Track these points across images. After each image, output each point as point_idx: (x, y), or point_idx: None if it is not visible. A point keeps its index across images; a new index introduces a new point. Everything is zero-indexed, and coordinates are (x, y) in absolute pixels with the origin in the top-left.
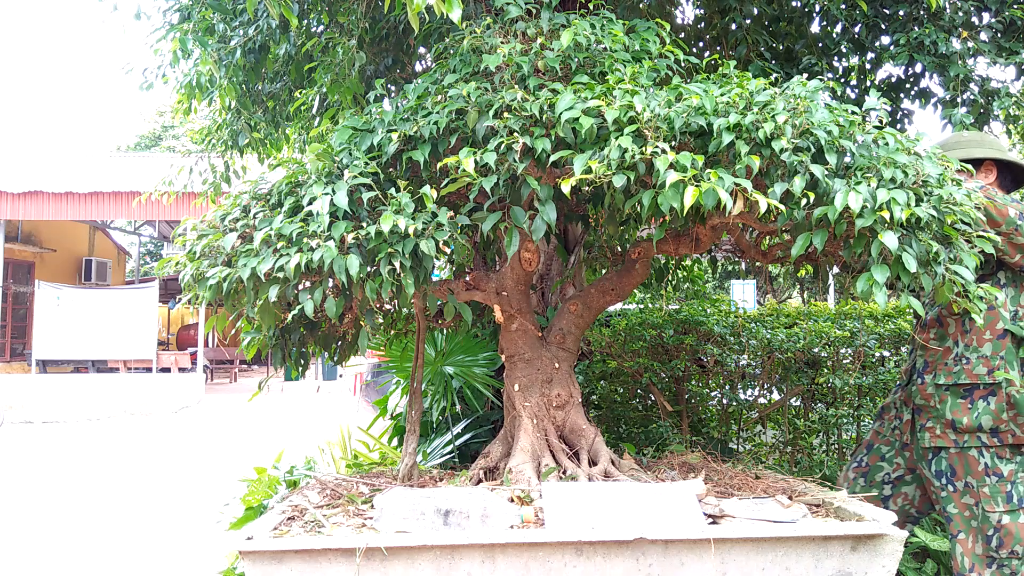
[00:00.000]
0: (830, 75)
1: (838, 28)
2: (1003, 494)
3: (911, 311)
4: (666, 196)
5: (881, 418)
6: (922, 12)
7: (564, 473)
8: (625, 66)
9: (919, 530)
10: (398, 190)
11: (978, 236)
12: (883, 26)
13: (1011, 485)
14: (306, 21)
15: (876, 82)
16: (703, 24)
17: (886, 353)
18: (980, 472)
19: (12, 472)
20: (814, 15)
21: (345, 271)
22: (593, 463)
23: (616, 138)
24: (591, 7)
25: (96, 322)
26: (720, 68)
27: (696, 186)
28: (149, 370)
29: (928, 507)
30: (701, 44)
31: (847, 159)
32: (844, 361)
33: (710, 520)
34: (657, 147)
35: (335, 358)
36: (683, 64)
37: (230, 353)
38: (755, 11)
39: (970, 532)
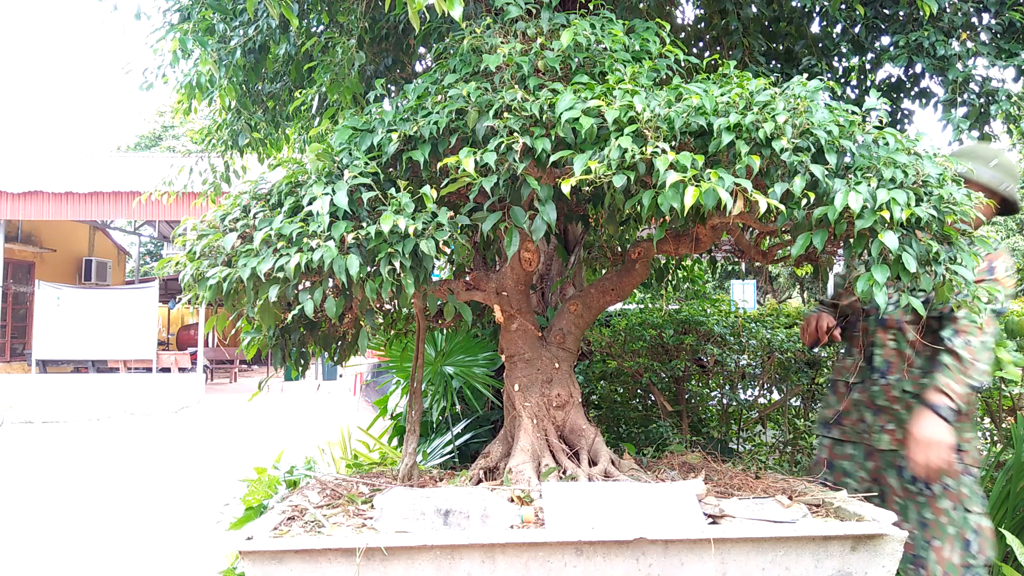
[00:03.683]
0: (830, 75)
1: (838, 29)
2: (978, 495)
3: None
4: (666, 196)
5: (841, 424)
6: (921, 13)
7: (564, 473)
8: (625, 66)
9: None
10: (398, 190)
11: (978, 236)
12: (883, 27)
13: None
14: (306, 21)
15: (876, 82)
16: (703, 24)
17: None
18: (957, 472)
19: (12, 472)
20: (814, 16)
21: (345, 271)
22: (593, 463)
23: (616, 138)
24: (591, 7)
25: (96, 322)
26: (720, 68)
27: (696, 186)
28: (149, 370)
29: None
30: (701, 44)
31: (847, 159)
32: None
33: (710, 520)
34: (657, 147)
35: (335, 358)
36: (683, 64)
37: (230, 353)
38: (754, 12)
39: (947, 539)
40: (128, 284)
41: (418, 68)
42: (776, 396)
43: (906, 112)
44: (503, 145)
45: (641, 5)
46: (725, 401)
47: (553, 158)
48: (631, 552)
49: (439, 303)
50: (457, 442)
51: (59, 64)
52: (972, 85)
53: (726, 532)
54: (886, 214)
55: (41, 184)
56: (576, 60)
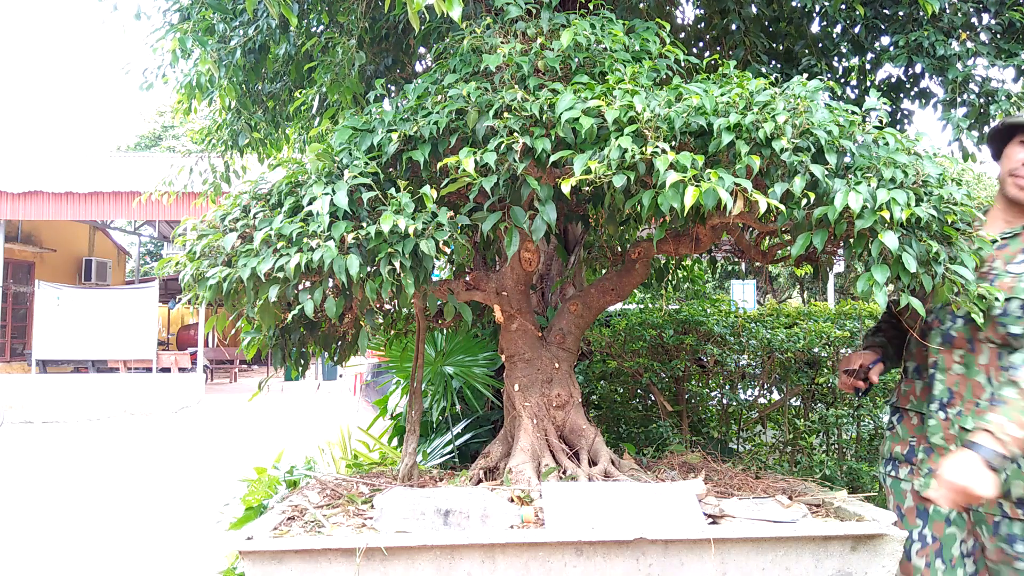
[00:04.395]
0: (830, 75)
1: (837, 29)
2: None
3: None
4: (666, 196)
5: (912, 462)
6: (921, 13)
7: (564, 473)
8: (625, 66)
9: None
10: (398, 190)
11: (977, 235)
12: (883, 27)
13: None
14: (306, 21)
15: (876, 82)
16: (703, 24)
17: None
18: None
19: (12, 472)
20: (814, 16)
21: (345, 271)
22: (593, 463)
23: (616, 138)
24: (591, 7)
25: (96, 322)
26: (720, 68)
27: (696, 186)
28: (149, 370)
29: None
30: (701, 44)
31: (847, 159)
32: None
33: (710, 520)
34: (657, 147)
35: (335, 358)
36: (683, 64)
37: (230, 353)
38: (754, 11)
39: None
40: (128, 284)
41: (418, 68)
42: (776, 396)
43: (906, 112)
44: (503, 145)
45: (641, 5)
46: (725, 401)
47: (553, 158)
48: (631, 552)
49: (439, 303)
50: (457, 442)
51: (59, 64)
52: (972, 85)
53: (726, 532)
54: (886, 214)
55: (41, 184)
56: (576, 60)
